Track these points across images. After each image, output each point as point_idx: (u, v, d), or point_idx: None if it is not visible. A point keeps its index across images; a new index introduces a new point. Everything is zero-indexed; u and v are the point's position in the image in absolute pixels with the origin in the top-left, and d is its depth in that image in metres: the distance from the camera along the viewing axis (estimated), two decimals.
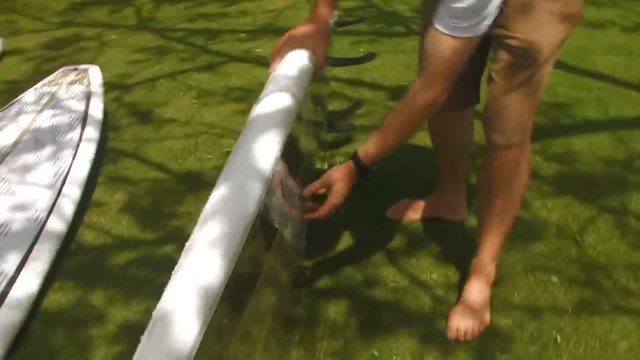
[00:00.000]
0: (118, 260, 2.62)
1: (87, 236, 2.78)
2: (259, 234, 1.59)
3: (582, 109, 3.48)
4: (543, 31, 1.84)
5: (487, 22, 1.68)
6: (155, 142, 3.42)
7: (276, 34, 4.33)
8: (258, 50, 4.35)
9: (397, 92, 3.67)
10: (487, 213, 2.20)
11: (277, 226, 1.79)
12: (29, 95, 3.60)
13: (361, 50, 4.22)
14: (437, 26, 1.71)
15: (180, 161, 3.21)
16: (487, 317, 2.20)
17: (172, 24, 5.15)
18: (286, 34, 2.04)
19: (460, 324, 2.14)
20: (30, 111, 3.41)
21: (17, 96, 3.68)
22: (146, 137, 3.48)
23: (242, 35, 4.68)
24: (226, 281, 1.26)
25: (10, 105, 3.56)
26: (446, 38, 1.70)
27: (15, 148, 3.10)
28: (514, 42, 1.85)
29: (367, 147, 1.92)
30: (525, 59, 1.87)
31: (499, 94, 1.95)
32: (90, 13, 5.64)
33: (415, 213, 2.71)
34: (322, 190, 1.97)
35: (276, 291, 1.97)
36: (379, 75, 3.91)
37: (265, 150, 1.69)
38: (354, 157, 1.93)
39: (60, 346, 2.24)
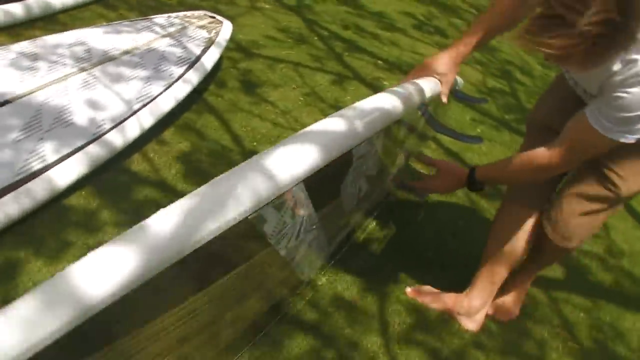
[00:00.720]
0: (144, 198, 2.65)
1: (135, 164, 2.83)
2: (241, 238, 1.56)
3: None
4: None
5: (635, 135, 1.75)
6: (245, 115, 3.44)
7: None
8: (385, 82, 4.31)
9: None
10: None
11: (270, 241, 1.76)
12: (160, 19, 3.71)
13: (478, 130, 4.12)
14: (589, 120, 1.79)
15: (254, 144, 3.21)
16: (515, 311, 2.66)
17: (324, 20, 5.17)
18: (425, 61, 2.34)
19: (495, 308, 2.62)
20: (153, 33, 3.51)
21: (155, 15, 3.82)
22: (240, 106, 3.50)
23: (380, 62, 4.65)
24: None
25: (142, 20, 3.69)
26: (594, 131, 1.79)
27: (121, 57, 3.19)
28: (612, 177, 2.02)
29: (485, 167, 2.24)
30: (613, 195, 2.05)
31: (575, 210, 2.15)
32: None
33: (433, 302, 2.63)
34: (435, 163, 2.40)
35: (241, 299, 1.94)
36: (479, 161, 3.81)
37: (297, 163, 1.66)
38: (472, 168, 2.24)
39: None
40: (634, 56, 1.61)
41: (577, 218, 2.17)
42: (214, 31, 3.61)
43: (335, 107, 3.79)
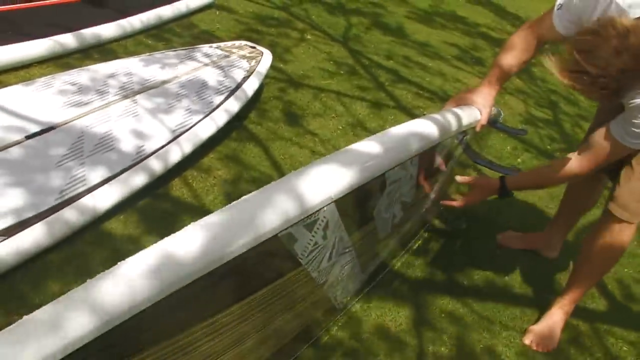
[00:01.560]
0: (182, 223, 2.67)
1: (174, 190, 2.89)
2: (266, 255, 1.58)
3: None
4: None
5: None
6: (284, 143, 3.49)
7: None
8: (425, 111, 4.32)
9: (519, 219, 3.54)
10: (583, 265, 2.65)
11: (300, 260, 1.77)
12: (202, 49, 3.80)
13: (519, 160, 4.09)
14: (612, 132, 2.21)
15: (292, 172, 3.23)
16: (555, 342, 2.66)
17: (370, 51, 5.21)
18: (460, 93, 2.59)
19: (534, 338, 2.65)
20: (193, 63, 3.60)
21: (198, 45, 3.92)
22: (280, 135, 3.55)
23: (421, 92, 4.66)
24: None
25: (185, 49, 3.78)
26: (615, 141, 2.21)
27: (163, 86, 3.27)
28: None
29: (515, 177, 2.58)
30: None
31: (630, 177, 2.39)
32: (312, 9, 5.82)
33: (520, 243, 3.22)
34: (467, 180, 2.65)
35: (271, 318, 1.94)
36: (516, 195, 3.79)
37: (328, 182, 1.68)
38: (503, 178, 2.55)
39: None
40: None
41: (634, 189, 2.41)
42: (254, 61, 3.67)
43: (371, 134, 3.79)
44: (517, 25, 7.15)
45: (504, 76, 2.54)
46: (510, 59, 2.51)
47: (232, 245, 1.40)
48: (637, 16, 1.95)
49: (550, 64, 1.96)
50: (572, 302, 2.72)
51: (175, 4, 4.60)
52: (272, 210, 1.50)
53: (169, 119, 3.01)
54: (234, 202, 1.51)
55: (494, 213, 3.46)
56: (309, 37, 5.11)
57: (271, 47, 4.53)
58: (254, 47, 3.87)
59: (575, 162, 2.39)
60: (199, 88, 3.31)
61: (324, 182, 1.68)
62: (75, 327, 1.14)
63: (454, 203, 2.70)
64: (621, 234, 2.51)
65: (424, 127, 2.26)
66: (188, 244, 1.35)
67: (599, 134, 2.27)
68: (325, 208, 1.72)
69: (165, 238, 1.35)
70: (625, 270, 3.29)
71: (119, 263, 1.27)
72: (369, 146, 1.96)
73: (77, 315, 1.16)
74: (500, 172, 3.10)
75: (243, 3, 5.41)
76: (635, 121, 2.12)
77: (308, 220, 1.67)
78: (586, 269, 2.66)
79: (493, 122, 2.81)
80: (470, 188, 2.71)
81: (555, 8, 2.33)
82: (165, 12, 4.52)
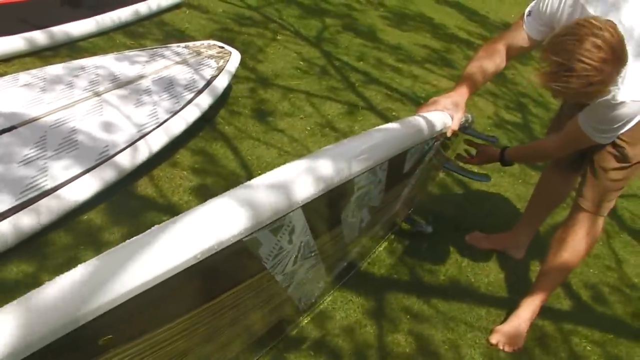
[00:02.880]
0: (149, 221, 2.68)
1: (141, 188, 2.87)
2: (231, 258, 1.57)
3: None
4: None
5: (613, 138, 2.38)
6: (253, 143, 3.49)
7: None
8: (395, 113, 4.33)
9: (489, 219, 3.57)
10: (552, 261, 2.71)
11: (265, 264, 1.77)
12: (174, 48, 3.79)
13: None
14: (581, 125, 2.35)
15: (259, 172, 3.23)
16: (520, 342, 2.71)
17: (341, 52, 5.22)
18: (432, 98, 2.60)
19: (500, 338, 2.68)
20: (166, 60, 3.58)
21: (168, 44, 3.91)
22: (249, 134, 3.55)
23: (391, 92, 4.68)
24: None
25: (155, 48, 3.76)
26: (581, 131, 2.36)
27: (133, 83, 3.25)
28: (618, 141, 2.42)
29: (513, 149, 2.82)
30: (621, 155, 2.45)
31: (595, 176, 2.56)
32: (284, 9, 5.81)
33: (487, 243, 3.28)
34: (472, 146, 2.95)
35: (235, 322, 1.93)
36: (486, 192, 3.82)
37: (295, 188, 1.68)
38: (503, 149, 2.77)
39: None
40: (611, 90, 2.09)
41: (598, 185, 2.57)
42: (222, 60, 3.66)
43: (342, 136, 3.83)
44: (487, 28, 7.24)
45: (474, 86, 2.58)
46: (480, 69, 2.56)
47: (195, 250, 1.38)
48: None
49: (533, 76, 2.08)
50: (539, 301, 2.76)
51: (145, 2, 4.56)
52: (238, 214, 1.50)
53: (137, 117, 2.99)
54: (199, 206, 1.49)
55: (462, 214, 3.48)
56: (280, 37, 5.10)
57: (242, 46, 4.52)
58: (222, 47, 3.86)
59: (552, 144, 2.64)
60: (167, 86, 3.29)
61: (292, 187, 1.68)
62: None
63: (470, 160, 2.94)
64: (590, 227, 2.64)
65: (395, 132, 2.27)
66: (155, 244, 1.33)
67: (573, 123, 2.41)
68: (291, 213, 1.72)
69: (127, 241, 1.33)
70: (591, 270, 3.33)
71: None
72: (338, 151, 1.96)
73: None
74: (472, 178, 3.14)
75: (214, 2, 5.39)
76: (600, 117, 2.26)
77: (274, 225, 1.67)
78: (555, 265, 2.71)
79: (464, 128, 2.83)
80: (476, 154, 2.94)
81: (525, 16, 2.43)
82: (136, 10, 4.48)
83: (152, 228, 1.38)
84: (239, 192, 1.58)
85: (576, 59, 1.92)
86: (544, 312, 2.83)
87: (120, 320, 1.30)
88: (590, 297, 3.17)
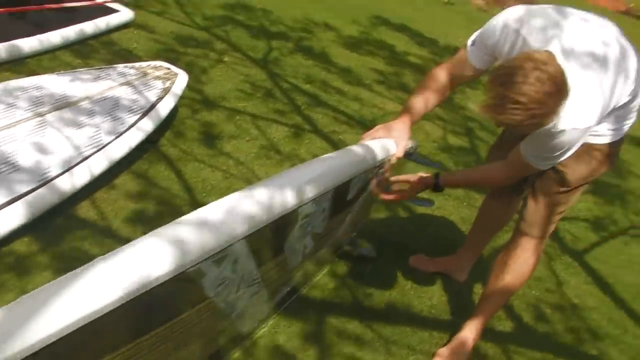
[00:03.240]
0: (89, 245, 2.64)
1: (83, 211, 2.82)
2: (176, 288, 1.56)
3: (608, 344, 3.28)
4: (579, 168, 2.49)
5: (547, 166, 2.42)
6: (197, 166, 3.47)
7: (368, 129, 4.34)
8: (341, 136, 4.36)
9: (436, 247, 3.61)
10: (494, 284, 2.74)
11: (208, 294, 1.76)
12: (118, 68, 3.75)
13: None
14: (523, 154, 2.37)
15: (204, 195, 3.22)
16: None
17: (289, 74, 5.22)
18: (378, 125, 2.63)
19: None
20: (110, 81, 3.54)
21: (114, 64, 3.87)
22: (194, 156, 3.53)
23: (339, 116, 4.70)
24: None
25: (101, 68, 3.73)
26: (526, 163, 2.38)
27: (76, 104, 3.21)
28: (559, 167, 2.48)
29: (448, 176, 2.71)
30: (562, 180, 2.52)
31: (536, 201, 2.62)
32: (233, 31, 5.80)
33: (431, 266, 3.30)
34: (402, 180, 2.72)
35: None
36: (431, 214, 3.86)
37: (240, 220, 1.68)
38: (437, 174, 2.66)
39: None
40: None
41: (540, 209, 2.62)
42: (169, 81, 3.64)
43: (288, 159, 3.83)
44: (436, 52, 7.33)
45: (417, 115, 2.62)
46: (423, 99, 2.60)
47: (140, 283, 1.37)
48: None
49: (474, 106, 2.17)
50: (481, 323, 2.78)
51: (93, 21, 4.53)
52: (182, 245, 1.49)
53: (80, 138, 2.95)
54: (144, 236, 1.48)
55: (406, 237, 3.50)
56: (227, 58, 5.09)
57: (189, 67, 4.50)
58: (169, 68, 3.85)
59: (497, 174, 2.59)
60: (111, 107, 3.26)
61: (236, 218, 1.68)
62: None
63: (390, 197, 2.80)
64: (529, 253, 2.68)
65: (339, 161, 2.28)
66: (96, 278, 1.32)
67: (515, 153, 2.43)
68: (235, 244, 1.72)
69: (47, 284, 1.31)
70: (533, 292, 3.38)
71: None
72: (283, 182, 1.96)
73: None
74: (416, 203, 3.16)
75: (163, 22, 5.37)
76: (542, 146, 2.30)
77: (217, 256, 1.66)
78: (497, 288, 2.74)
79: (409, 155, 2.86)
80: (409, 188, 2.79)
81: (469, 45, 2.49)
82: (83, 29, 4.45)
83: (75, 271, 1.35)
84: (184, 223, 1.57)
85: (521, 93, 1.94)
86: (487, 333, 2.86)
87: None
88: (531, 318, 3.21)
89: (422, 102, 2.61)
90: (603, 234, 4.42)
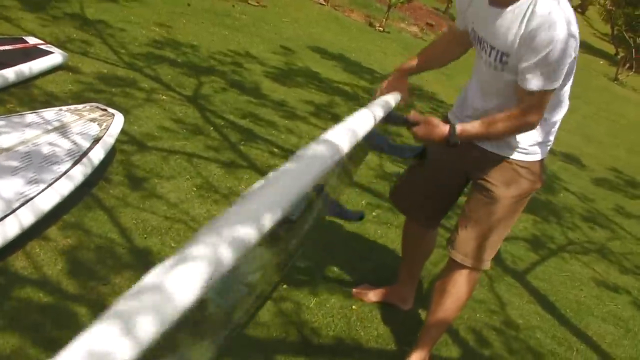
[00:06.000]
0: (25, 297, 2.58)
1: (16, 263, 2.75)
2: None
3: None
4: (512, 188, 2.52)
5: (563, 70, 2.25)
6: (135, 209, 3.40)
7: None
8: None
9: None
10: (434, 311, 2.77)
11: None
12: (49, 113, 3.66)
13: (374, 213, 4.19)
14: (534, 88, 2.25)
15: (145, 236, 3.17)
16: None
17: (224, 110, 5.19)
18: (383, 81, 2.81)
19: None
20: (40, 128, 3.46)
21: (47, 108, 3.79)
22: (130, 200, 3.46)
23: (276, 150, 4.70)
24: None
25: (30, 113, 3.63)
26: (543, 91, 2.27)
27: (4, 154, 3.12)
28: (488, 185, 2.53)
29: (465, 126, 2.45)
30: (490, 199, 2.54)
31: (467, 225, 2.62)
32: (160, 67, 5.74)
33: (374, 296, 3.28)
34: (418, 118, 2.50)
35: None
36: (374, 243, 3.88)
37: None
38: (453, 126, 2.44)
39: None
40: None
41: (471, 236, 2.62)
42: (104, 124, 3.59)
43: (228, 196, 3.80)
44: (372, 81, 7.42)
45: (423, 66, 2.84)
46: (420, 57, 2.83)
47: None
48: None
49: None
50: (427, 350, 2.81)
51: (26, 64, 4.43)
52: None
53: (8, 189, 2.87)
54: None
55: (350, 268, 3.50)
56: (161, 97, 5.04)
57: (122, 108, 4.44)
58: (105, 110, 3.79)
59: (520, 120, 2.36)
60: (43, 155, 3.18)
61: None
62: None
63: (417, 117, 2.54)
64: (465, 279, 2.71)
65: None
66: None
67: (526, 95, 2.30)
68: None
69: None
70: (477, 315, 3.42)
71: None
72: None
73: None
74: (345, 217, 3.09)
75: (97, 64, 5.28)
76: (536, 57, 2.20)
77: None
78: (438, 314, 2.78)
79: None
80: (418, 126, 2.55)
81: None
82: (15, 72, 4.33)
83: None
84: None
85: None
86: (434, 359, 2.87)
87: None
88: (476, 341, 3.24)
89: (420, 58, 2.80)
90: (542, 252, 4.50)
